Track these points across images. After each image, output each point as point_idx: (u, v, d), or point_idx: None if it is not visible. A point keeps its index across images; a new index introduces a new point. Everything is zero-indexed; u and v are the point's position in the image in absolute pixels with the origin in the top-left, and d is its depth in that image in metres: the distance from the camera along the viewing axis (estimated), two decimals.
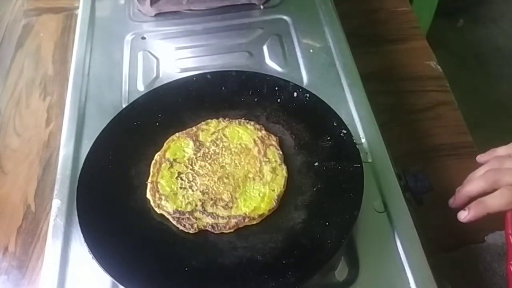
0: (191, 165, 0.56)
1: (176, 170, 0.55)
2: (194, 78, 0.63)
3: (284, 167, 0.55)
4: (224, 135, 0.58)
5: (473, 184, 0.52)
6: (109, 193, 0.53)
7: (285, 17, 0.77)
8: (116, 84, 0.68)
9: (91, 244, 0.47)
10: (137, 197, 0.54)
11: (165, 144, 0.58)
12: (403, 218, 0.53)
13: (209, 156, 0.56)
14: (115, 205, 0.52)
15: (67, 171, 0.58)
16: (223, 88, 0.62)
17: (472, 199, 0.51)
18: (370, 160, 0.57)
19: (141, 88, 0.68)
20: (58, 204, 0.55)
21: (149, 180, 0.55)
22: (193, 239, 0.50)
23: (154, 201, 0.53)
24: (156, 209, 0.52)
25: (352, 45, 0.72)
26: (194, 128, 0.59)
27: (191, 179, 0.54)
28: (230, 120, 0.60)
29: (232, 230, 0.50)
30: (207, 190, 0.53)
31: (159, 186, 0.54)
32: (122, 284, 0.46)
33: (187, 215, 0.51)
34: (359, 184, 0.50)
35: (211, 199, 0.53)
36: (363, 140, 0.59)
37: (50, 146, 0.72)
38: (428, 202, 0.56)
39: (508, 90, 1.76)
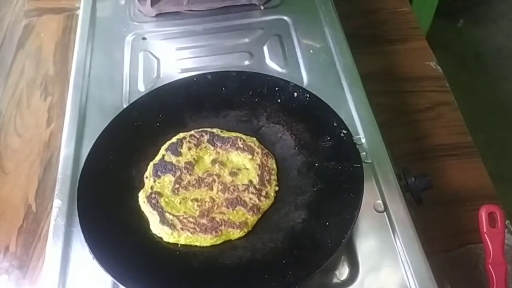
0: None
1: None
2: (195, 79, 0.63)
3: None
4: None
5: None
6: (109, 193, 0.53)
7: (285, 18, 0.77)
8: (116, 84, 0.69)
9: (92, 244, 0.48)
10: (137, 197, 0.54)
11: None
12: (403, 218, 0.53)
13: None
14: (115, 205, 0.53)
15: (68, 171, 0.58)
16: (223, 88, 0.63)
17: None
18: (370, 160, 0.57)
19: (141, 88, 0.68)
20: (58, 204, 0.55)
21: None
22: None
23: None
24: None
25: (352, 46, 0.72)
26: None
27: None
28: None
29: None
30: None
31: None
32: (122, 284, 0.46)
33: None
34: (359, 184, 0.50)
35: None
36: (363, 140, 0.59)
37: (51, 146, 0.72)
38: (428, 202, 0.56)
39: (508, 90, 1.76)
